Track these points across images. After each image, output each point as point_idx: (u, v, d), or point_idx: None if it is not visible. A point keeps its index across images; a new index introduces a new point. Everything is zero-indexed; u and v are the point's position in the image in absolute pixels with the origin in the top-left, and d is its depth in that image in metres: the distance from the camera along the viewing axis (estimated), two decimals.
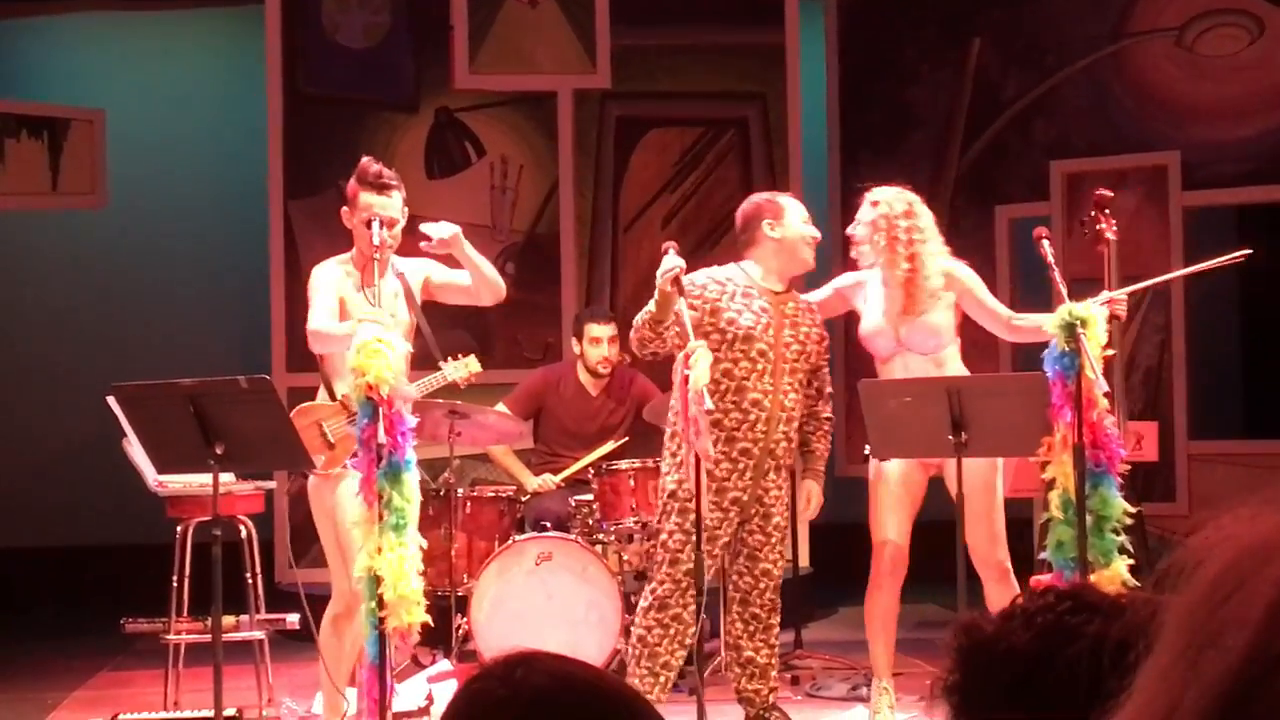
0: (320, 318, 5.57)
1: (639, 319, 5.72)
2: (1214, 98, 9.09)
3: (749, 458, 5.73)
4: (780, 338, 5.79)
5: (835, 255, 9.98)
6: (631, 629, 5.97)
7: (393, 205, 5.63)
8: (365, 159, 5.74)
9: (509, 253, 9.37)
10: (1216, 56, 9.11)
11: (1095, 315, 5.25)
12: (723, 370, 5.70)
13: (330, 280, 5.65)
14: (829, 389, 6.16)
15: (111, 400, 5.60)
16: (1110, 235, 5.66)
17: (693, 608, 5.75)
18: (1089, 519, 5.23)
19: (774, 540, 5.87)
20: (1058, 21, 9.47)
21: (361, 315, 5.26)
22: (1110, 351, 5.43)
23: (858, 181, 9.86)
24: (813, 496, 6.04)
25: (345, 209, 5.72)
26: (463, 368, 5.73)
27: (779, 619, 5.99)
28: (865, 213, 6.03)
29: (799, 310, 5.98)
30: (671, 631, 5.78)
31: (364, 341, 5.02)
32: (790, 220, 5.94)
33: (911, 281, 5.89)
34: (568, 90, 9.42)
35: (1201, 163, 9.00)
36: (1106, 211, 5.70)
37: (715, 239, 9.47)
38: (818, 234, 6.01)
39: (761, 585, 5.84)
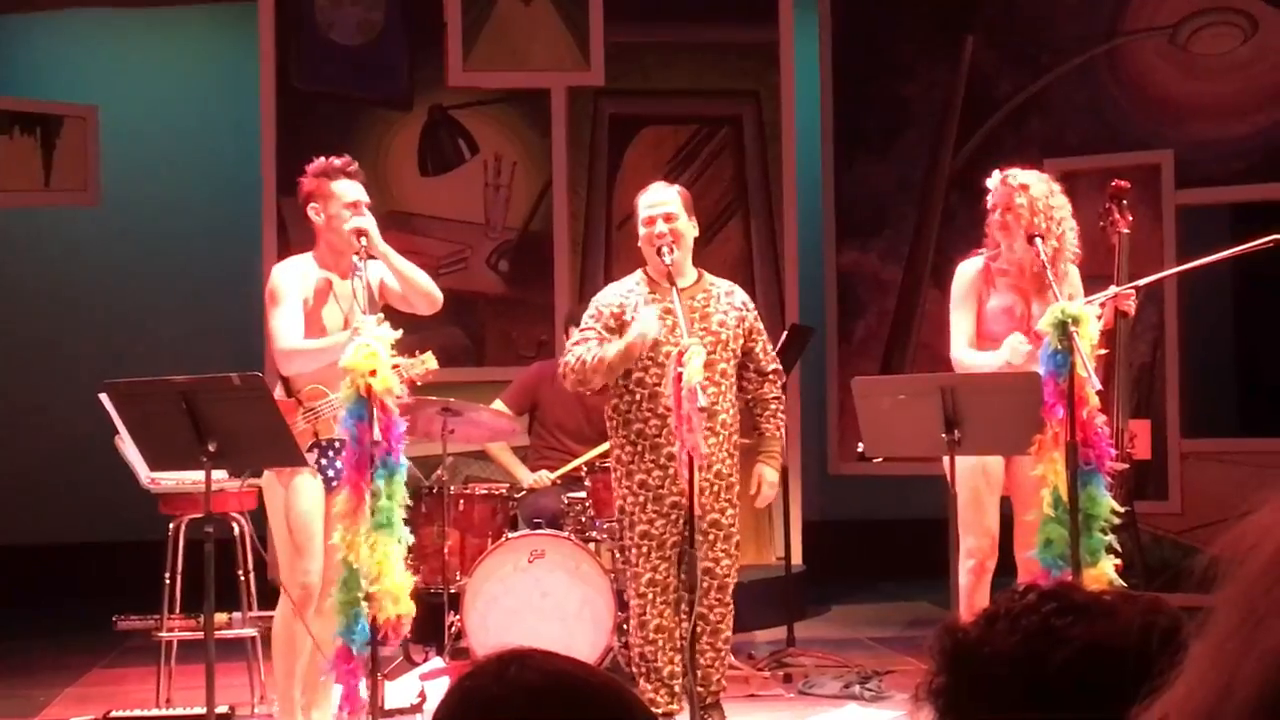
0: (291, 336, 5.48)
1: (587, 360, 5.74)
2: (1208, 96, 9.10)
3: (675, 461, 5.71)
4: (690, 333, 5.68)
5: (829, 250, 10.00)
6: (632, 647, 5.97)
7: (363, 192, 5.64)
8: (319, 159, 5.69)
9: (502, 250, 9.38)
10: (1210, 55, 9.11)
11: (1087, 314, 5.25)
12: (635, 380, 5.78)
13: (294, 285, 5.56)
14: (771, 366, 6.05)
15: (104, 397, 5.59)
16: (1124, 229, 5.64)
17: (669, 612, 5.77)
18: (1097, 507, 5.25)
19: (711, 538, 5.82)
20: (1051, 19, 9.47)
21: (357, 324, 5.23)
22: (1102, 351, 5.44)
23: (851, 180, 9.89)
24: (763, 481, 5.99)
25: (313, 205, 5.63)
26: (419, 364, 5.62)
27: (730, 623, 5.94)
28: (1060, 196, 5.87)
29: (710, 299, 5.90)
30: (660, 643, 5.80)
31: (357, 344, 5.07)
32: (638, 226, 5.88)
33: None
34: (561, 87, 9.42)
35: (1195, 161, 9.00)
36: (1124, 203, 5.68)
37: (709, 237, 9.46)
38: (661, 229, 5.76)
39: (704, 584, 5.79)
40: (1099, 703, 1.34)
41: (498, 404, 7.45)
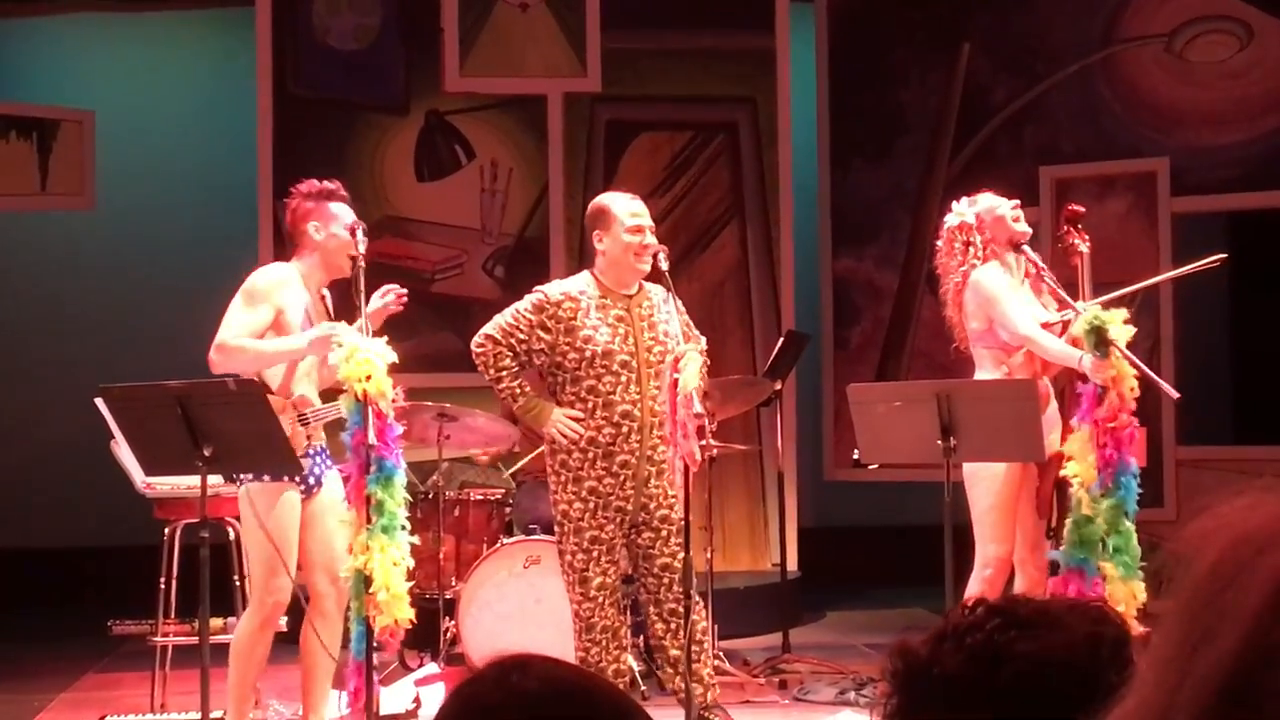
0: (240, 334, 5.51)
1: (499, 383, 5.78)
2: (1203, 104, 9.11)
3: (628, 469, 5.69)
4: (641, 342, 5.67)
5: (825, 257, 10.01)
6: (576, 650, 5.82)
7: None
8: (307, 181, 5.78)
9: (498, 255, 9.38)
10: (1206, 63, 9.12)
11: (1117, 317, 5.31)
12: (587, 388, 5.68)
13: (273, 295, 5.59)
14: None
15: (100, 402, 5.59)
16: (1083, 249, 5.70)
17: (613, 613, 5.73)
18: (1108, 516, 5.28)
19: (664, 534, 5.76)
20: (1047, 27, 9.48)
21: (336, 333, 5.32)
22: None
23: (847, 187, 9.90)
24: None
25: (315, 224, 5.69)
26: None
27: (703, 616, 5.82)
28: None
29: (653, 307, 5.82)
30: (605, 643, 5.75)
31: (352, 350, 5.16)
32: (615, 231, 5.76)
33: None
34: (558, 93, 9.43)
35: (1190, 169, 9.01)
36: (1079, 226, 5.75)
37: (705, 243, 9.48)
38: (648, 241, 5.73)
39: (665, 581, 5.74)
40: (1049, 716, 1.34)
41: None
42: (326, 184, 5.77)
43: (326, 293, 5.81)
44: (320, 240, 5.68)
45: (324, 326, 5.48)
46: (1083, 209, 5.89)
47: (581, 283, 5.83)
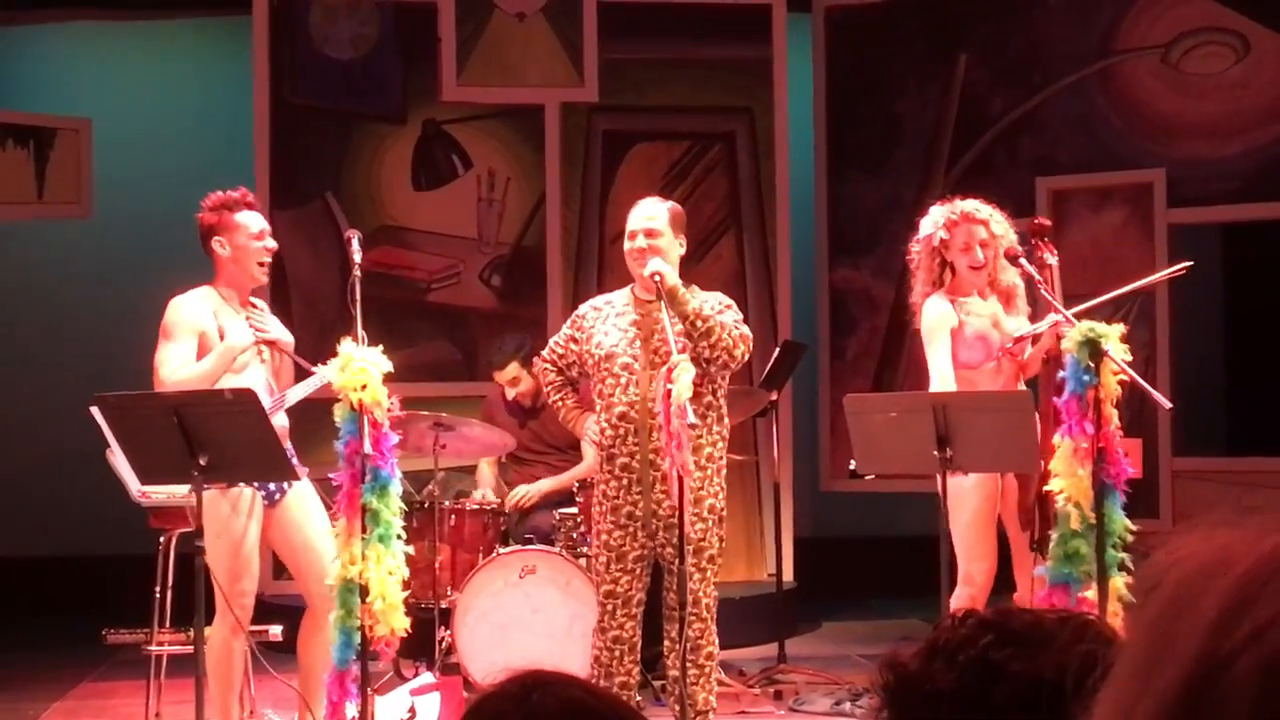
0: (177, 371, 5.53)
1: (550, 398, 5.98)
2: (1199, 116, 9.12)
3: (630, 472, 5.66)
4: (649, 344, 5.66)
5: (822, 267, 10.01)
6: (591, 649, 5.83)
7: (265, 222, 5.84)
8: (211, 195, 5.79)
9: (495, 265, 9.38)
10: (1202, 75, 9.14)
11: (1112, 332, 5.29)
12: (599, 392, 5.73)
13: (193, 322, 5.63)
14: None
15: (95, 410, 5.59)
16: (1051, 261, 5.72)
17: (630, 625, 5.71)
18: (1119, 530, 5.28)
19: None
20: (1044, 38, 9.49)
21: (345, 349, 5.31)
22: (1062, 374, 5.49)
23: (844, 197, 9.90)
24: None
25: (218, 239, 5.69)
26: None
27: (710, 639, 5.74)
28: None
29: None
30: (617, 652, 5.73)
31: (347, 359, 5.15)
32: (627, 239, 5.79)
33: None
34: (555, 103, 9.43)
35: (1187, 180, 9.02)
36: (1047, 239, 5.77)
37: (701, 253, 9.47)
38: (639, 244, 5.66)
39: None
40: None
41: None
42: (230, 194, 5.76)
43: (260, 303, 5.83)
44: (227, 255, 5.70)
45: (234, 325, 5.56)
46: (1049, 222, 5.97)
47: (612, 295, 5.93)
